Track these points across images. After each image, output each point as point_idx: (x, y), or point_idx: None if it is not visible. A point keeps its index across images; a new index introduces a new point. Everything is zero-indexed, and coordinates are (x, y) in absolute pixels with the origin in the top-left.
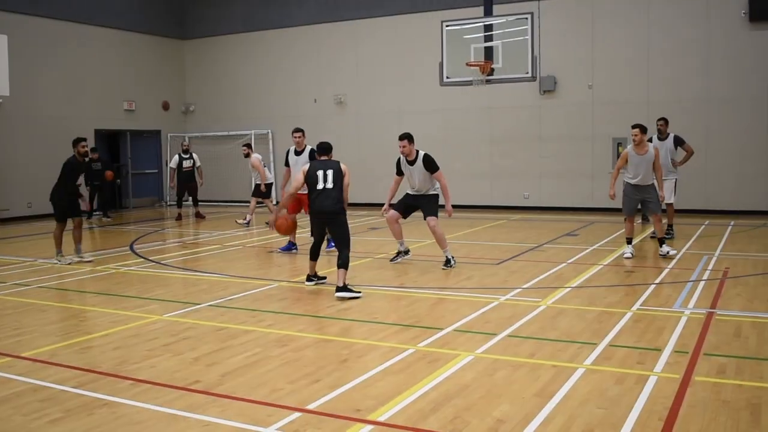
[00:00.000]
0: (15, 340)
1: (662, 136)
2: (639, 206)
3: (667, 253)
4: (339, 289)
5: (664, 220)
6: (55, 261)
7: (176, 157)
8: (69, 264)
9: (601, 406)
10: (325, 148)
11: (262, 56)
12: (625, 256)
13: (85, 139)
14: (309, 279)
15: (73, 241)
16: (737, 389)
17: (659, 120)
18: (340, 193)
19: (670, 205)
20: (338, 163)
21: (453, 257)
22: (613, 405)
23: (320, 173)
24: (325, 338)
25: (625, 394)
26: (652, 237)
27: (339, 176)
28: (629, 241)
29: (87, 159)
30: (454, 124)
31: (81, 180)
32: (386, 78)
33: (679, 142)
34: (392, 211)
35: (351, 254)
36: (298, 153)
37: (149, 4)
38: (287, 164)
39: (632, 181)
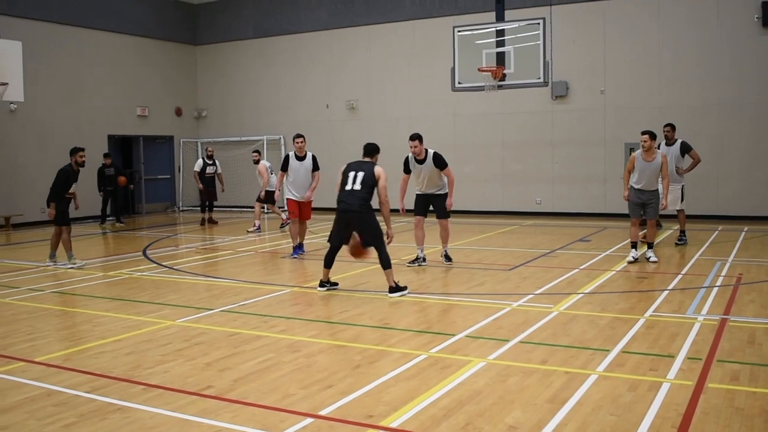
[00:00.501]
0: (29, 345)
1: (669, 142)
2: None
3: (650, 258)
4: (391, 290)
5: (676, 227)
6: (71, 265)
7: (200, 161)
8: (81, 268)
9: (614, 413)
10: (367, 150)
11: (274, 62)
12: (628, 260)
13: (83, 149)
14: (322, 284)
15: (51, 245)
16: (751, 396)
17: (666, 126)
18: (368, 195)
19: (681, 211)
20: (373, 166)
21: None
22: (626, 412)
23: (351, 174)
24: (338, 344)
25: (638, 401)
26: (676, 243)
27: (370, 179)
28: (634, 246)
29: (82, 168)
30: (466, 129)
31: (74, 188)
32: (398, 83)
33: (686, 149)
34: (418, 217)
35: (364, 259)
36: (299, 158)
37: (161, 10)
38: (284, 168)
39: (636, 186)
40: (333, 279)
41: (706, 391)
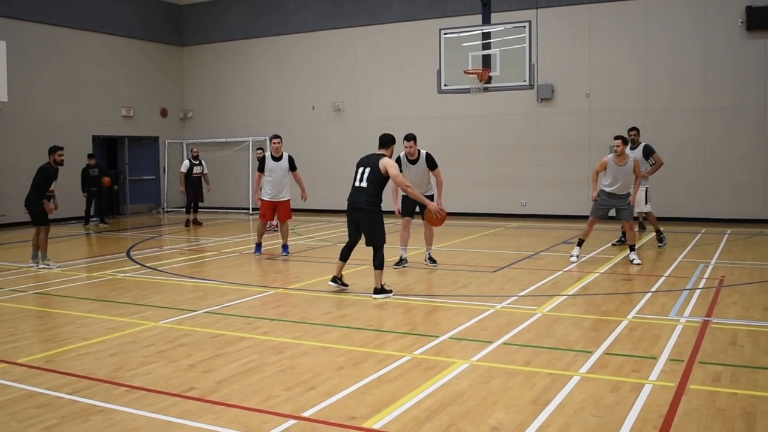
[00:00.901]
0: (11, 346)
1: (633, 145)
2: (614, 213)
3: (633, 261)
4: (376, 291)
5: (651, 232)
6: (43, 265)
7: (187, 162)
8: (56, 269)
9: (597, 414)
10: (381, 141)
11: (260, 63)
12: (571, 258)
13: (62, 148)
14: (334, 280)
15: (32, 246)
16: (732, 397)
17: (631, 130)
18: (375, 191)
19: (649, 213)
20: (379, 159)
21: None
22: (608, 413)
23: (360, 170)
24: (322, 345)
25: (620, 403)
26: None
27: (375, 175)
28: (580, 243)
29: (60, 167)
30: (451, 131)
31: (53, 186)
32: (384, 85)
33: (648, 152)
34: (406, 218)
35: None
36: (275, 159)
37: (148, 10)
38: (261, 169)
39: (608, 189)
40: (313, 281)
41: (688, 392)
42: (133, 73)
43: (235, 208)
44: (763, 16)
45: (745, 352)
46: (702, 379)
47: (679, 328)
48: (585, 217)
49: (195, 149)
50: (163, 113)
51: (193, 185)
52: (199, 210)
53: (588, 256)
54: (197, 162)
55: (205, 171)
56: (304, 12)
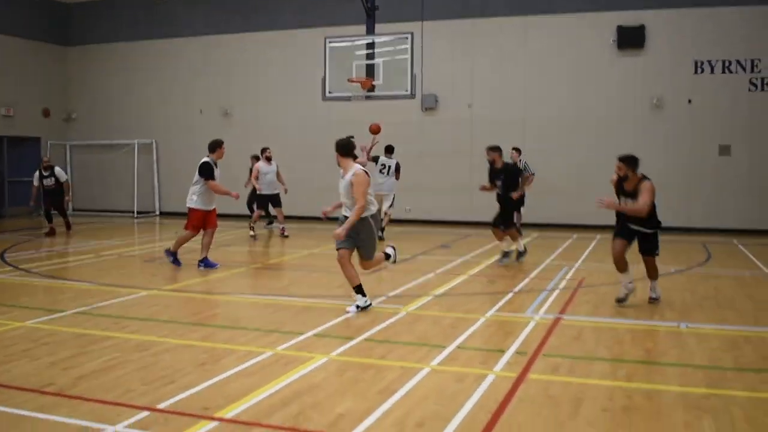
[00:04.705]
0: None
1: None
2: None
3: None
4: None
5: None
6: None
7: (36, 173)
8: None
9: (438, 402)
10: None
11: (148, 65)
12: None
13: None
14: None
15: None
16: (566, 386)
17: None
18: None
19: (386, 213)
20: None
21: None
22: (449, 401)
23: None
24: (186, 343)
25: (462, 392)
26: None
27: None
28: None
29: None
30: (337, 138)
31: None
32: (271, 91)
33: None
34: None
35: (223, 265)
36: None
37: (32, 8)
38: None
39: None
40: (190, 282)
41: (527, 381)
42: (13, 71)
43: (120, 211)
44: (632, 35)
45: (586, 346)
46: (542, 370)
47: (531, 325)
48: (467, 223)
49: (45, 159)
50: (46, 113)
51: (49, 196)
52: (74, 213)
53: (461, 259)
54: (47, 173)
55: (63, 179)
56: (194, 16)
